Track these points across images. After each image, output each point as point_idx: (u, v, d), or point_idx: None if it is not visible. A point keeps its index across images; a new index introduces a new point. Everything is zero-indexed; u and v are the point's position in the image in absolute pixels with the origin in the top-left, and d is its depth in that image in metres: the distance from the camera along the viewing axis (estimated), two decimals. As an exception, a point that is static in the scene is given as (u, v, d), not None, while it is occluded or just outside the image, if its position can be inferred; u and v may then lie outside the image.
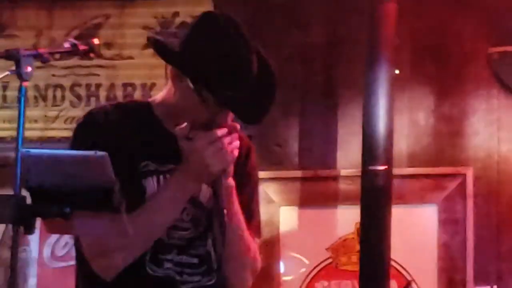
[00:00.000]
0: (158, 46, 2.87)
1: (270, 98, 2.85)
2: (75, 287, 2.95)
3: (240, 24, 2.79)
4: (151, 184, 2.84)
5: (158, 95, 2.91)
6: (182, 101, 2.79)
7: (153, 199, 2.82)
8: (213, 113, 2.71)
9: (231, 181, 2.78)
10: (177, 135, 2.75)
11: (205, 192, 2.85)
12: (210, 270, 2.90)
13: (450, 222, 5.19)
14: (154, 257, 2.84)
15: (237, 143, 2.77)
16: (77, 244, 2.85)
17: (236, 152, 2.78)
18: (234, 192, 2.82)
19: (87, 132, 2.85)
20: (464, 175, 5.11)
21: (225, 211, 2.75)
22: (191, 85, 2.72)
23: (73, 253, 5.36)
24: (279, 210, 5.38)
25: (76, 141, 2.84)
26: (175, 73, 2.76)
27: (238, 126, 2.78)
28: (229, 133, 2.76)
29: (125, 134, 2.84)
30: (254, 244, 2.91)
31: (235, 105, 2.75)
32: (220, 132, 2.72)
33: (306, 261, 5.31)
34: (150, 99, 2.95)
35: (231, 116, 2.79)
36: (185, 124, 2.71)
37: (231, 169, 2.77)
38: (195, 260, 2.88)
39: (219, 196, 2.78)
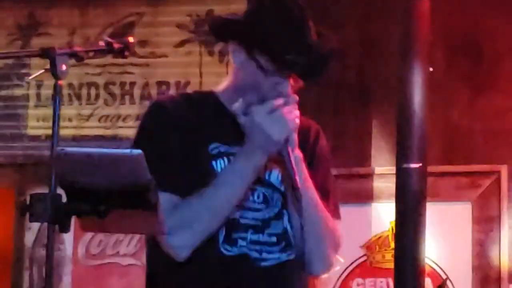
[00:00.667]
0: (215, 24, 2.97)
1: (329, 61, 2.85)
2: (146, 275, 3.05)
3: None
4: (222, 165, 2.89)
5: (220, 85, 2.96)
6: (243, 77, 2.85)
7: (221, 175, 2.84)
8: (274, 83, 2.74)
9: (298, 152, 2.78)
10: (235, 112, 2.77)
11: (276, 173, 2.87)
12: (289, 246, 2.89)
13: (484, 220, 5.15)
14: (228, 237, 2.85)
15: (297, 112, 2.77)
16: (149, 242, 2.95)
17: (297, 121, 2.78)
18: (303, 163, 2.82)
19: (155, 119, 2.90)
20: (499, 172, 5.06)
21: (297, 178, 2.75)
22: (249, 55, 2.77)
23: (107, 251, 5.55)
24: (314, 208, 5.45)
25: (144, 129, 2.90)
26: (235, 48, 2.80)
27: (297, 97, 2.78)
28: (287, 103, 2.76)
29: (193, 120, 2.89)
30: (331, 218, 2.89)
31: (295, 68, 2.77)
32: (277, 102, 2.73)
33: (341, 259, 5.33)
34: (214, 89, 3.00)
35: (292, 85, 2.80)
36: (240, 100, 2.75)
37: (295, 137, 2.76)
38: (273, 239, 2.89)
39: (288, 167, 2.78)
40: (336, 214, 2.95)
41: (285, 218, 2.89)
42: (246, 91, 2.79)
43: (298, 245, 2.88)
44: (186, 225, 2.80)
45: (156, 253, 2.89)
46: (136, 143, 2.85)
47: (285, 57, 2.75)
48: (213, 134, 2.89)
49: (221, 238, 2.83)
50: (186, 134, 2.86)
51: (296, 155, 2.77)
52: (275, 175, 2.88)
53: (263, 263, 2.87)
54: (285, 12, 2.83)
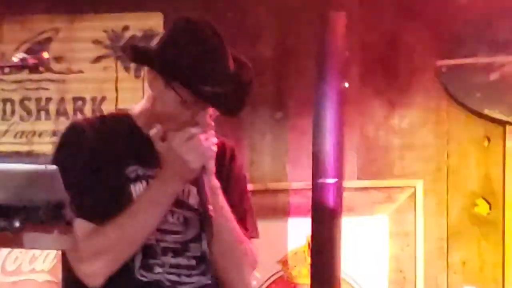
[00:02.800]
0: (135, 51, 2.92)
1: (247, 91, 2.80)
2: None
3: (214, 26, 2.78)
4: (140, 188, 2.84)
5: (137, 106, 2.91)
6: (161, 106, 2.79)
7: (135, 202, 2.79)
8: (193, 113, 2.70)
9: (214, 180, 2.75)
10: (152, 138, 2.73)
11: (195, 195, 2.82)
12: (208, 270, 2.84)
13: (400, 234, 5.17)
14: (144, 262, 2.81)
15: (214, 139, 2.74)
16: (63, 252, 2.89)
17: (214, 148, 2.75)
18: (219, 191, 2.78)
19: (71, 142, 2.83)
20: (414, 187, 5.08)
21: (210, 207, 2.71)
22: (168, 86, 2.71)
23: (23, 267, 5.46)
24: (230, 223, 5.50)
25: (62, 151, 2.82)
26: (153, 77, 2.75)
27: (213, 124, 2.75)
28: (204, 131, 2.73)
29: (110, 143, 2.83)
30: (247, 239, 2.86)
31: (214, 100, 2.73)
32: (195, 129, 2.70)
33: (258, 275, 4.95)
34: (129, 111, 2.94)
35: (210, 115, 2.75)
36: (158, 126, 2.71)
37: (211, 165, 2.74)
38: (193, 262, 2.85)
39: (202, 195, 2.76)
40: (253, 233, 2.92)
41: (204, 242, 2.87)
42: (164, 119, 2.77)
43: (212, 269, 2.91)
44: (100, 254, 2.78)
45: (71, 279, 2.84)
46: (58, 162, 2.79)
47: (204, 88, 2.71)
48: (130, 157, 2.86)
49: (137, 264, 2.80)
50: (103, 158, 2.83)
51: (212, 183, 2.76)
52: (194, 197, 2.85)
53: (182, 287, 2.86)
54: (202, 41, 2.80)
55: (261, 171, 5.23)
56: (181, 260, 2.87)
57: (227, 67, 2.78)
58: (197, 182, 2.77)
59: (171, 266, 2.86)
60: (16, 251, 5.12)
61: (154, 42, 3.12)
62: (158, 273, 2.83)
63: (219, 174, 2.82)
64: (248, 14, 5.30)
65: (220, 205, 2.79)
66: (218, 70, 2.77)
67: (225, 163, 2.93)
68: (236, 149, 3.02)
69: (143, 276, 2.81)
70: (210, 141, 2.74)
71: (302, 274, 5.09)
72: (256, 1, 5.36)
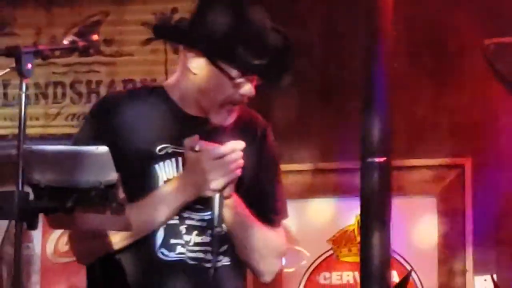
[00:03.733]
0: (167, 30, 2.95)
1: (289, 61, 2.74)
2: (87, 276, 2.92)
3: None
4: (169, 166, 2.79)
5: (171, 79, 2.84)
6: (205, 82, 2.73)
7: (151, 196, 2.73)
8: (236, 87, 2.66)
9: (235, 196, 2.74)
10: (185, 145, 2.69)
11: None
12: (231, 250, 2.82)
13: (449, 213, 5.21)
14: (166, 241, 2.79)
15: (241, 162, 2.68)
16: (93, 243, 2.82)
17: (239, 172, 2.70)
18: (241, 205, 2.77)
19: (98, 119, 2.77)
20: (463, 165, 5.10)
21: (217, 229, 2.73)
22: (212, 64, 2.67)
23: None
24: (280, 202, 5.52)
25: (86, 129, 2.77)
26: (193, 55, 2.69)
27: (244, 144, 2.69)
28: (235, 150, 2.69)
29: (140, 120, 2.77)
30: (272, 231, 2.84)
31: (261, 71, 2.69)
32: (226, 149, 2.66)
33: (307, 253, 5.32)
34: (164, 83, 2.86)
35: (253, 88, 2.70)
36: (196, 136, 2.65)
37: (230, 190, 2.72)
38: (216, 240, 2.85)
39: (214, 210, 2.73)
40: (283, 215, 2.92)
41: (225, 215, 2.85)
42: (210, 93, 2.70)
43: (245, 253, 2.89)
44: (98, 236, 2.75)
45: (87, 258, 2.83)
46: (78, 140, 2.77)
47: (250, 62, 2.66)
48: (162, 132, 2.80)
49: (158, 243, 2.78)
50: (133, 134, 2.76)
51: (229, 203, 2.74)
52: None
53: (206, 264, 2.81)
54: (242, 14, 2.73)
55: (310, 151, 5.27)
56: (205, 239, 2.86)
57: (267, 37, 2.71)
58: (213, 199, 2.79)
59: (196, 244, 2.83)
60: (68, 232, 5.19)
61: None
62: (180, 253, 2.83)
63: (247, 152, 2.75)
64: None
65: (236, 220, 2.79)
66: (259, 42, 2.71)
67: (256, 142, 2.89)
68: (269, 128, 2.94)
69: (164, 255, 2.80)
70: (237, 163, 2.71)
71: (352, 253, 5.17)
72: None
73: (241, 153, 2.68)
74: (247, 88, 2.67)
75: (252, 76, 2.69)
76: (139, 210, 2.70)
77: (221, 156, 2.67)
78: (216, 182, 2.67)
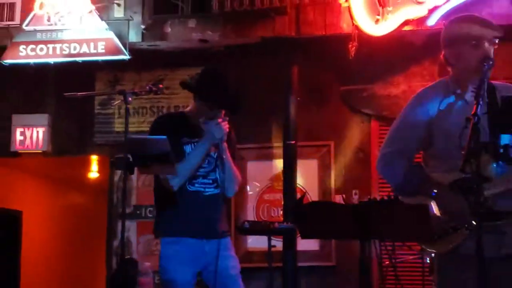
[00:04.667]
0: (186, 85, 4.26)
1: (239, 105, 4.12)
2: (155, 197, 4.26)
3: (223, 72, 4.12)
4: (188, 148, 4.08)
5: (187, 108, 4.20)
6: (199, 110, 4.05)
7: (190, 153, 4.00)
8: (215, 113, 3.97)
9: (224, 144, 3.99)
10: (200, 123, 3.95)
11: (213, 151, 4.06)
12: (218, 185, 4.14)
13: (321, 167, 7.03)
14: (190, 181, 4.08)
15: (227, 125, 3.91)
16: (156, 179, 4.15)
17: (227, 129, 3.90)
18: (227, 148, 4.01)
19: (159, 125, 4.15)
20: (329, 145, 6.94)
21: (224, 156, 4.05)
22: (204, 103, 3.97)
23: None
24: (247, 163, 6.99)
25: (154, 130, 4.08)
26: (196, 97, 4.03)
27: (227, 118, 3.97)
28: (222, 120, 3.92)
29: (176, 127, 4.08)
30: (238, 172, 4.15)
31: (224, 107, 4.02)
32: (219, 120, 3.94)
33: (258, 184, 7.23)
34: (184, 110, 4.28)
35: (223, 113, 3.99)
36: (202, 118, 3.97)
37: (225, 137, 3.92)
38: (211, 181, 4.17)
39: (220, 149, 4.05)
40: (239, 166, 4.17)
41: (217, 172, 4.11)
42: (203, 115, 3.99)
43: (222, 184, 4.16)
44: (177, 177, 4.02)
45: (160, 186, 4.12)
46: (152, 133, 4.07)
47: (219, 103, 4.00)
48: (184, 133, 4.04)
49: (187, 181, 4.03)
50: (174, 134, 3.99)
51: (223, 144, 3.96)
52: (213, 152, 4.07)
53: (206, 193, 4.14)
54: (219, 79, 4.08)
55: (264, 136, 7.07)
56: (207, 180, 4.17)
57: (230, 92, 4.00)
58: (217, 145, 3.99)
59: (202, 183, 4.12)
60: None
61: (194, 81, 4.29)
62: (196, 186, 4.15)
63: (228, 139, 4.05)
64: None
65: (227, 155, 4.02)
66: (225, 94, 3.99)
67: (230, 136, 4.15)
68: (233, 130, 4.18)
69: (189, 187, 4.11)
70: (225, 126, 3.91)
71: (280, 185, 6.91)
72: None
73: (226, 122, 3.89)
74: (220, 113, 4.00)
75: (222, 109, 3.98)
76: (187, 161, 3.99)
77: (218, 123, 3.92)
78: (218, 136, 3.94)
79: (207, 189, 4.17)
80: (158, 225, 4.22)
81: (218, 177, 4.16)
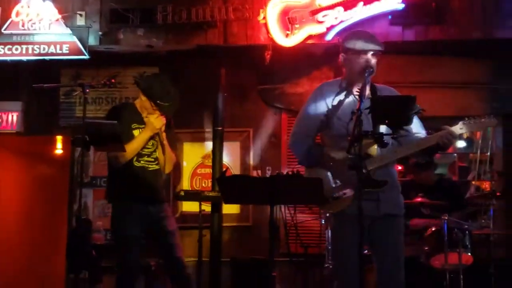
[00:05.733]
0: (138, 85, 4.22)
1: (177, 104, 4.12)
2: (108, 174, 4.30)
3: (166, 77, 4.15)
4: (137, 132, 4.17)
5: (137, 100, 4.25)
6: (145, 104, 4.19)
7: (136, 137, 4.11)
8: (157, 109, 4.08)
9: (163, 133, 4.12)
10: (144, 116, 4.12)
11: (155, 136, 4.15)
12: (158, 163, 4.22)
13: (243, 148, 6.97)
14: (137, 158, 4.18)
15: (165, 119, 4.12)
16: (109, 156, 4.20)
17: (164, 121, 4.09)
18: (165, 136, 4.12)
19: (111, 113, 4.19)
20: (249, 131, 6.90)
21: (164, 142, 4.18)
22: (148, 100, 4.07)
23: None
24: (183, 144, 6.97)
25: (110, 115, 4.14)
26: (145, 98, 4.10)
27: (164, 113, 4.08)
28: (161, 115, 4.10)
29: (128, 114, 4.17)
30: (174, 154, 4.28)
31: (164, 107, 4.11)
32: (158, 114, 4.10)
33: (193, 162, 7.17)
34: (134, 102, 4.28)
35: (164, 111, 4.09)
36: (146, 112, 4.10)
37: (163, 127, 4.10)
38: (153, 160, 4.24)
39: (160, 137, 4.13)
40: (175, 149, 4.40)
41: (157, 151, 4.18)
42: (147, 109, 4.11)
43: (161, 162, 4.21)
44: (126, 154, 4.08)
45: (110, 163, 4.19)
46: (106, 118, 4.10)
47: (161, 103, 4.11)
48: (135, 120, 4.18)
49: (134, 158, 4.14)
50: (125, 120, 4.12)
51: (163, 133, 4.06)
52: (154, 138, 4.16)
53: (150, 169, 4.23)
54: (163, 86, 4.12)
55: (195, 124, 6.99)
56: (150, 159, 4.22)
57: (171, 94, 4.09)
58: (157, 133, 4.08)
59: (146, 160, 4.21)
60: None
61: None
62: (142, 162, 4.22)
63: (167, 126, 4.16)
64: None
65: (166, 141, 4.14)
66: (167, 96, 4.09)
67: (170, 123, 4.26)
68: (172, 120, 4.25)
69: (136, 162, 4.18)
70: (164, 119, 4.09)
71: (210, 161, 6.82)
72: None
73: (164, 119, 4.05)
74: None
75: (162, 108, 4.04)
76: (133, 144, 4.07)
77: (158, 116, 4.09)
78: (158, 125, 4.07)
79: (150, 166, 4.25)
80: (110, 192, 4.26)
81: (158, 156, 4.26)
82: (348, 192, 3.55)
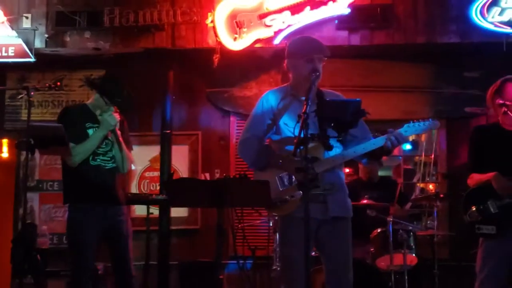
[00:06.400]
0: (90, 83, 4.21)
1: (132, 103, 4.18)
2: (62, 175, 4.19)
3: (120, 77, 4.16)
4: (91, 131, 4.12)
5: (88, 101, 4.23)
6: (98, 103, 4.15)
7: (91, 136, 4.05)
8: (109, 106, 4.08)
9: (118, 130, 4.10)
10: (98, 115, 4.08)
11: (109, 135, 4.11)
12: (115, 161, 4.18)
13: (192, 150, 6.91)
14: (92, 157, 4.13)
15: (118, 116, 4.06)
16: (63, 159, 4.13)
17: (118, 119, 4.03)
18: (120, 134, 4.09)
19: (63, 115, 4.10)
20: (198, 134, 6.86)
21: (120, 139, 4.13)
22: (103, 97, 4.06)
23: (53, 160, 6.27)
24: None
25: (62, 117, 4.02)
26: (97, 93, 4.08)
27: (118, 111, 4.07)
28: (116, 112, 4.06)
29: (81, 115, 4.11)
30: (130, 153, 4.25)
31: (118, 104, 4.14)
32: (113, 111, 4.06)
33: (136, 167, 7.03)
34: (86, 102, 4.25)
35: (115, 107, 4.10)
36: (99, 111, 4.05)
37: (118, 125, 4.06)
38: (109, 158, 4.23)
39: (115, 134, 4.11)
40: (131, 149, 4.20)
41: (113, 151, 4.15)
42: (100, 108, 4.09)
43: (118, 160, 4.20)
44: (79, 154, 4.04)
45: (65, 164, 4.10)
46: (59, 122, 4.01)
47: (115, 100, 4.12)
48: (88, 120, 4.16)
49: (90, 157, 4.09)
50: (79, 120, 4.10)
51: (118, 130, 4.06)
52: (110, 136, 4.11)
53: (106, 167, 4.19)
54: (118, 82, 4.22)
55: (146, 126, 6.94)
56: (106, 158, 4.19)
57: (125, 93, 4.14)
58: (113, 130, 4.05)
59: (102, 159, 4.16)
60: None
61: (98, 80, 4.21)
62: (98, 161, 4.18)
63: (121, 127, 4.15)
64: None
65: (121, 139, 4.11)
66: (121, 94, 4.12)
67: (123, 125, 4.25)
68: (125, 120, 4.26)
69: (92, 162, 4.13)
70: (117, 116, 4.07)
71: (158, 161, 6.72)
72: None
73: (118, 115, 4.03)
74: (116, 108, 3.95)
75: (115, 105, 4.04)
76: (87, 143, 3.98)
77: (111, 114, 4.05)
78: (113, 123, 4.05)
79: (106, 164, 4.21)
80: (67, 194, 4.19)
81: (114, 155, 4.22)
82: (296, 195, 3.53)
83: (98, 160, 4.17)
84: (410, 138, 6.51)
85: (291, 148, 3.32)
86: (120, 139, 4.20)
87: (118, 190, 4.21)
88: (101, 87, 4.19)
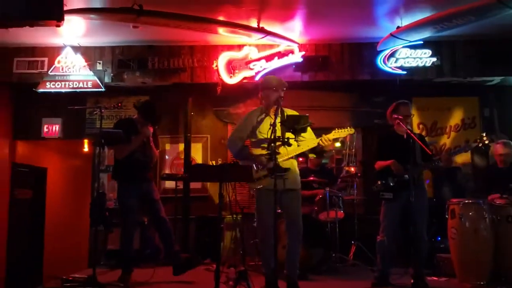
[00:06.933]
0: (136, 107, 4.23)
1: (160, 120, 4.24)
2: (114, 162, 4.10)
3: (154, 103, 4.11)
4: (134, 138, 4.18)
5: (134, 116, 4.13)
6: (140, 120, 4.15)
7: (133, 141, 4.12)
8: (147, 123, 4.09)
9: (151, 137, 4.08)
10: (139, 128, 4.06)
11: (145, 140, 4.08)
12: (146, 157, 4.18)
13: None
14: (134, 153, 4.08)
15: (151, 130, 4.13)
16: (115, 152, 4.15)
17: (151, 131, 4.09)
18: (152, 140, 4.10)
19: (120, 123, 4.23)
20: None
21: (151, 144, 4.13)
22: (143, 117, 4.07)
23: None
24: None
25: (117, 125, 4.19)
26: (139, 114, 4.06)
27: (151, 126, 4.04)
28: (150, 126, 4.11)
29: (128, 125, 4.16)
30: (156, 153, 4.24)
31: (151, 121, 4.14)
32: (147, 128, 4.05)
33: (172, 156, 6.60)
34: (133, 117, 4.16)
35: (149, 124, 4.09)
36: (144, 129, 4.01)
37: (150, 135, 4.10)
38: (143, 154, 4.20)
39: (148, 140, 4.11)
40: (158, 149, 4.12)
41: (146, 152, 4.07)
42: (141, 123, 4.06)
43: (148, 158, 3.97)
44: (125, 151, 4.05)
45: (115, 155, 4.14)
46: (114, 129, 4.08)
47: (151, 120, 4.14)
48: (132, 130, 4.13)
49: (133, 153, 4.10)
50: (127, 129, 4.09)
51: (151, 140, 4.04)
52: (145, 141, 4.06)
53: (142, 160, 4.10)
54: (151, 108, 4.16)
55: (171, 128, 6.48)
56: (141, 154, 4.20)
57: (156, 114, 4.15)
58: (148, 138, 4.10)
59: (139, 154, 4.16)
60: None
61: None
62: (136, 156, 4.18)
63: (152, 135, 4.14)
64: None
65: (152, 144, 4.12)
66: (154, 115, 4.15)
67: (155, 132, 4.24)
68: (156, 130, 4.20)
69: (134, 156, 4.16)
70: (151, 129, 4.10)
71: (183, 156, 6.39)
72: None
73: (151, 129, 4.03)
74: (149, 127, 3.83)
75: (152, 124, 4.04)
76: (131, 145, 4.05)
77: (147, 129, 4.01)
78: (148, 134, 4.10)
79: (142, 159, 4.24)
80: (116, 174, 4.19)
81: (146, 153, 4.21)
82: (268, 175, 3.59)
83: (137, 155, 4.17)
84: (340, 139, 6.29)
85: (263, 147, 3.43)
86: (151, 143, 4.18)
87: (149, 173, 4.21)
88: (141, 109, 4.20)
